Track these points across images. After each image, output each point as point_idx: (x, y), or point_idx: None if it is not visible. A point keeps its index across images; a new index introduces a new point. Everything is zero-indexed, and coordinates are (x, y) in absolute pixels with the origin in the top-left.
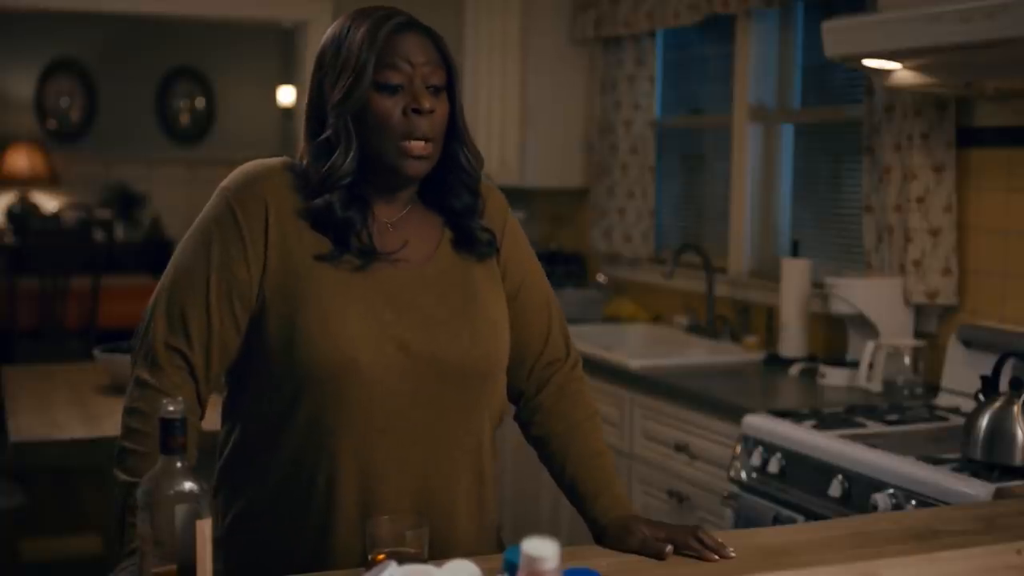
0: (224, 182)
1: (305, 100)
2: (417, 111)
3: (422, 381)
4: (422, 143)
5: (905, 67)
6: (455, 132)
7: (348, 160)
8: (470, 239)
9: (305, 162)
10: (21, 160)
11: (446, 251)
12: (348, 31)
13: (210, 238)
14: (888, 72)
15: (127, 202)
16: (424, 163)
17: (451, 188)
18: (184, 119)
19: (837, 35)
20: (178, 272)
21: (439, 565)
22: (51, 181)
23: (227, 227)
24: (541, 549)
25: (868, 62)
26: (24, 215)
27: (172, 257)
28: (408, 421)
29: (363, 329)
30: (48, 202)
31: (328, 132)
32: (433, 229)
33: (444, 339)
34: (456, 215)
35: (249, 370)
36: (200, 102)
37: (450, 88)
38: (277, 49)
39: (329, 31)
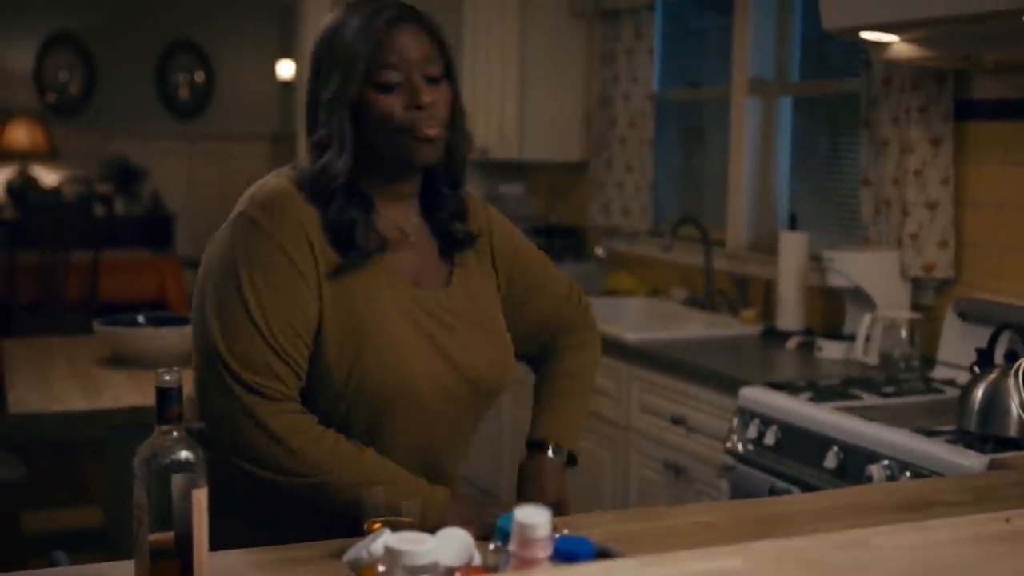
0: (252, 212)
1: (304, 97)
2: (419, 107)
3: (458, 395)
4: (431, 127)
5: (903, 40)
6: (454, 119)
7: (342, 160)
8: (453, 241)
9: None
10: (21, 134)
11: (459, 268)
12: (341, 27)
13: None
14: (886, 45)
15: (127, 176)
16: (434, 148)
17: (438, 178)
18: (184, 93)
19: (834, 7)
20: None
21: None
22: (51, 155)
23: (280, 266)
24: (533, 516)
25: (865, 35)
26: (24, 189)
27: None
28: (441, 434)
29: (416, 349)
30: (48, 176)
31: (321, 132)
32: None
33: (479, 358)
34: (441, 220)
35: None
36: (199, 76)
37: (449, 74)
38: (276, 23)
39: (323, 25)
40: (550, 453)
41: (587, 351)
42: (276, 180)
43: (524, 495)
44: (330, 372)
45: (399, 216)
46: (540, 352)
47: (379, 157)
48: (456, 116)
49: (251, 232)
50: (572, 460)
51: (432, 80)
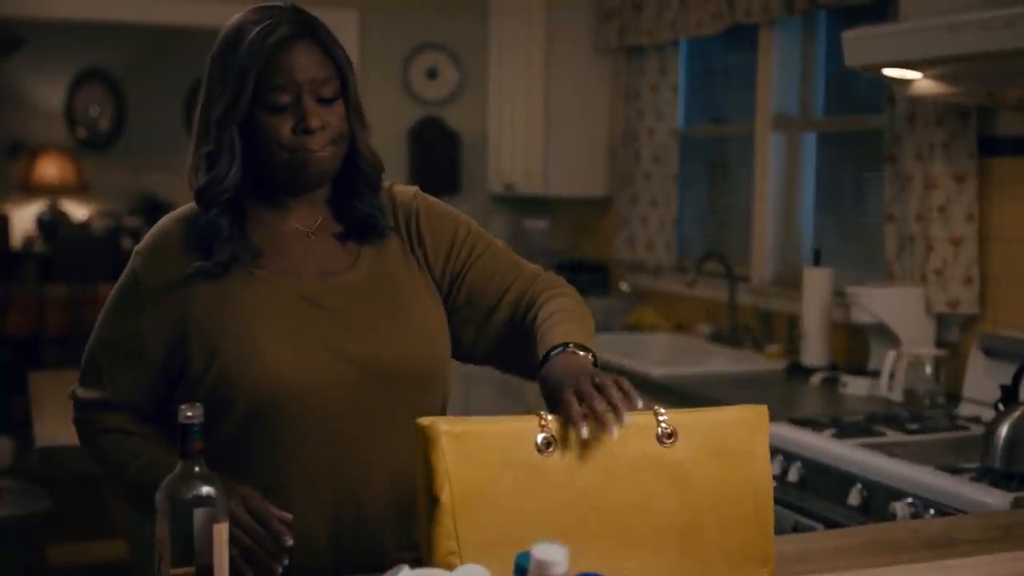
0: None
1: (197, 108)
2: (307, 131)
3: (359, 387)
4: (319, 149)
5: (926, 76)
6: (353, 136)
7: (232, 173)
8: (363, 228)
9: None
10: (51, 168)
11: (366, 258)
12: (235, 41)
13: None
14: (909, 81)
15: (155, 210)
16: (320, 169)
17: (354, 190)
18: None
19: (857, 44)
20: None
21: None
22: (80, 189)
23: (124, 301)
24: (551, 554)
25: (889, 71)
26: (54, 223)
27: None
28: (340, 429)
29: (291, 344)
30: (77, 210)
31: (211, 145)
32: (347, 239)
33: (378, 343)
34: (360, 218)
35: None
36: None
37: (346, 92)
38: None
39: (220, 34)
40: (571, 348)
41: (573, 298)
42: (170, 214)
43: (555, 398)
44: (196, 384)
45: (300, 214)
46: (519, 330)
47: (268, 172)
48: (355, 133)
49: (126, 270)
50: (595, 363)
51: (325, 100)
